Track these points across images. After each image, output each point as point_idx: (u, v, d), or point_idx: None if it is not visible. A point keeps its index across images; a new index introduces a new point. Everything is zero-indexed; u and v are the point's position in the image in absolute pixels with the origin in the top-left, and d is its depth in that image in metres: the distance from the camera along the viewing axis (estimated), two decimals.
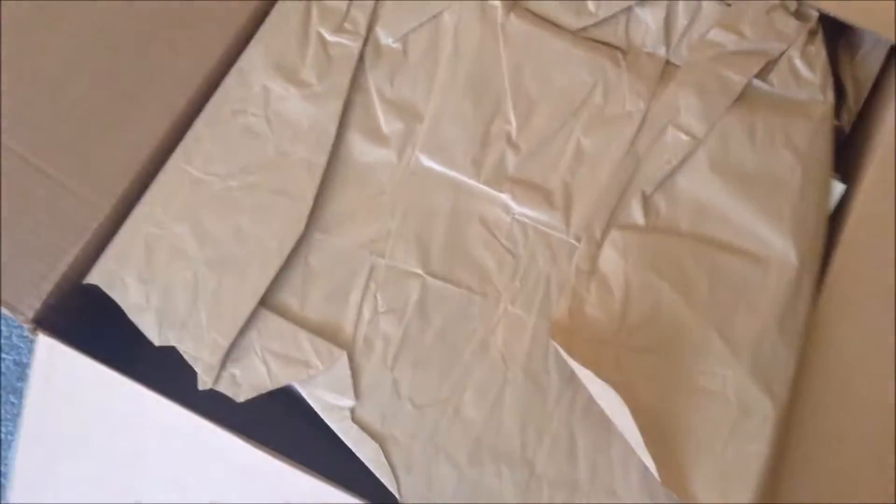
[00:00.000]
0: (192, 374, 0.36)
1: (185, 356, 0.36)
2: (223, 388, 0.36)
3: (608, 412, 0.35)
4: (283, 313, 0.37)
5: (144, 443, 0.35)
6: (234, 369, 0.36)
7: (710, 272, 0.38)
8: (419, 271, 0.38)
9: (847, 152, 0.43)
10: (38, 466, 0.35)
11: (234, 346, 0.36)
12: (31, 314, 0.36)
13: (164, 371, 0.37)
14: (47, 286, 0.37)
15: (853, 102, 0.44)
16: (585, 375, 0.35)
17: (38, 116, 0.39)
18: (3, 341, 0.55)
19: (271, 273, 0.37)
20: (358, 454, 0.36)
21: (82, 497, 0.35)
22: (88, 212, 0.38)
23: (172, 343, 0.36)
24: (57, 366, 0.36)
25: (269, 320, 0.37)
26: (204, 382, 0.36)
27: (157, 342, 0.36)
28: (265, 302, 0.37)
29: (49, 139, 0.39)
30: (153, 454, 0.35)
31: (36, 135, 0.39)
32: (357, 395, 0.36)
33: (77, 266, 0.37)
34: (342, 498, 0.34)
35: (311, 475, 0.35)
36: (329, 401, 0.36)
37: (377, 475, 0.36)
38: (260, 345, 0.37)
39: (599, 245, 0.39)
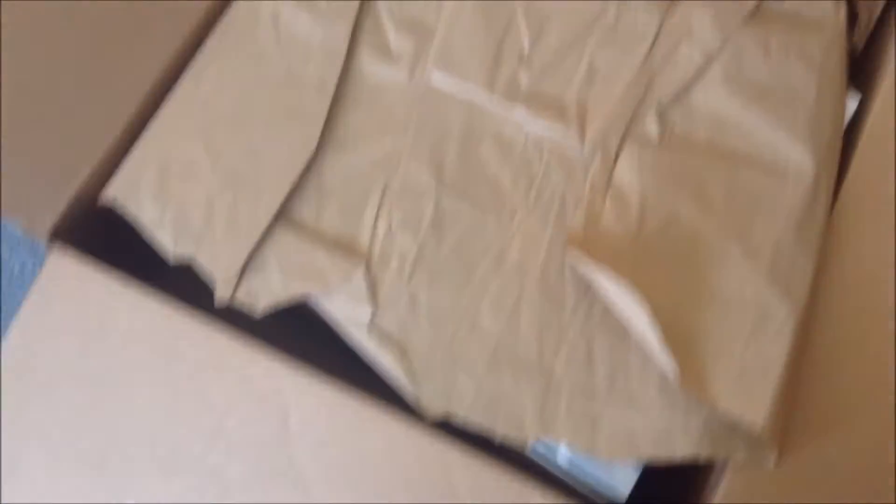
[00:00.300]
0: (209, 295, 0.36)
1: (201, 271, 0.36)
2: (241, 299, 0.36)
3: (624, 316, 0.35)
4: (299, 229, 0.37)
5: (152, 355, 0.35)
6: (251, 284, 0.36)
7: (726, 183, 0.38)
8: (433, 188, 0.38)
9: (861, 68, 0.43)
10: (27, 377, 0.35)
11: (250, 261, 0.36)
12: (45, 232, 0.36)
13: (177, 294, 0.37)
14: (61, 204, 0.37)
15: (866, 19, 0.44)
16: (603, 277, 0.35)
17: (50, 32, 0.39)
18: None
19: (285, 189, 0.37)
20: (376, 365, 0.36)
21: (79, 408, 0.35)
22: (101, 131, 0.38)
23: (188, 259, 0.36)
24: (67, 280, 0.36)
25: (285, 235, 0.37)
26: (221, 297, 0.36)
27: (173, 256, 0.36)
28: (281, 218, 0.37)
29: (62, 58, 0.39)
30: (158, 367, 0.35)
31: (49, 53, 0.39)
32: (374, 307, 0.36)
33: (91, 185, 0.37)
34: (346, 400, 0.34)
35: (327, 386, 0.35)
36: (346, 313, 0.36)
37: (396, 384, 0.36)
38: (276, 260, 0.37)
39: (614, 160, 0.38)
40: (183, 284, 0.39)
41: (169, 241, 0.36)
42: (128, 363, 0.35)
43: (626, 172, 0.38)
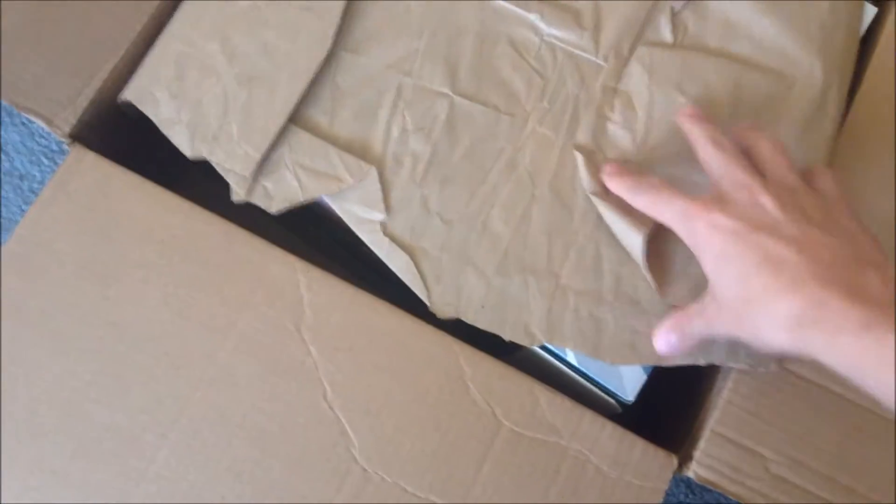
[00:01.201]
0: (226, 199, 0.37)
1: (217, 168, 0.37)
2: (256, 200, 0.37)
3: (616, 231, 0.36)
4: (313, 130, 0.38)
5: (167, 253, 0.36)
6: (266, 182, 0.37)
7: (733, 88, 0.38)
8: (447, 91, 0.38)
9: None
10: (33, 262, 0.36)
11: (266, 160, 0.37)
12: (67, 129, 0.37)
13: (194, 193, 0.38)
14: (83, 102, 0.37)
15: None
16: (602, 202, 0.36)
17: None
18: None
19: (300, 87, 0.37)
20: (389, 265, 0.37)
21: (87, 301, 0.36)
22: (121, 30, 0.38)
23: (204, 156, 0.37)
24: (84, 177, 0.36)
25: (300, 136, 0.37)
26: (237, 194, 0.36)
27: (189, 155, 0.37)
28: (296, 119, 0.37)
29: None
30: (172, 264, 0.36)
31: None
32: (387, 209, 0.37)
33: (112, 84, 0.38)
34: (361, 295, 0.34)
35: (342, 281, 0.36)
36: (360, 214, 0.37)
37: (408, 284, 0.36)
38: (291, 160, 0.37)
39: (626, 63, 0.39)
40: (199, 189, 0.40)
41: (185, 140, 0.37)
42: (141, 259, 0.36)
43: (637, 75, 0.38)
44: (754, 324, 0.30)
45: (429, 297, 0.36)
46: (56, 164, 0.60)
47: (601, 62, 0.39)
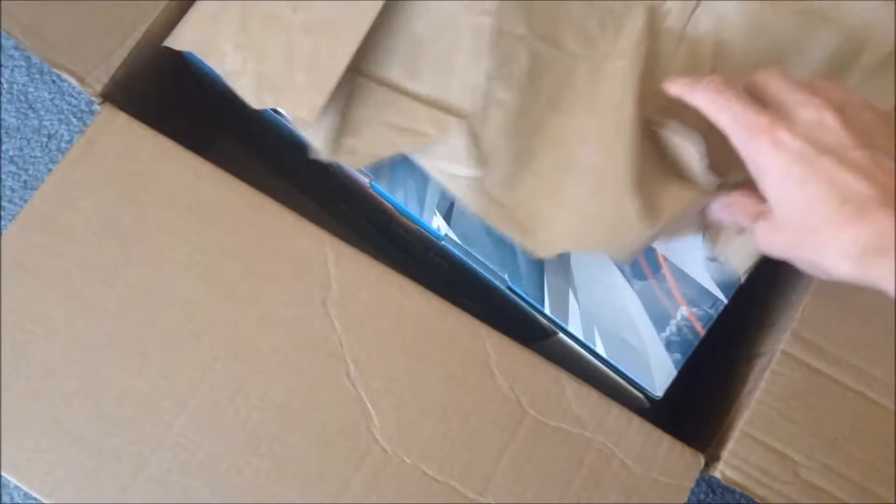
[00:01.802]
0: (255, 163, 0.36)
1: (285, 118, 0.36)
2: (342, 158, 0.35)
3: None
4: (396, 86, 0.36)
5: (195, 218, 0.35)
6: (351, 140, 0.35)
7: (799, 40, 0.37)
8: (525, 33, 0.36)
9: None
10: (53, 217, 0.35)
11: (349, 120, 0.35)
12: (98, 87, 0.36)
13: (224, 159, 0.37)
14: (116, 60, 0.36)
15: None
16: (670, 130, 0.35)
17: None
18: None
19: (363, 29, 0.35)
20: (485, 220, 0.35)
21: (110, 263, 0.35)
22: None
23: (270, 105, 0.36)
24: (113, 137, 0.36)
25: (382, 94, 0.36)
26: (322, 155, 0.35)
27: (256, 105, 0.36)
28: (376, 76, 0.36)
29: None
30: (199, 230, 0.35)
31: None
32: (475, 163, 0.35)
33: (146, 43, 0.37)
34: (389, 273, 0.33)
35: (371, 258, 0.35)
36: (449, 170, 0.35)
37: (506, 234, 0.35)
38: (376, 118, 0.36)
39: (692, 10, 0.37)
40: (229, 155, 0.39)
41: (251, 91, 0.36)
42: (167, 223, 0.35)
43: (704, 22, 0.37)
44: (816, 251, 0.29)
45: (527, 245, 0.35)
46: (85, 124, 0.59)
47: (668, 6, 0.37)
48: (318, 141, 0.35)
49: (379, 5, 0.35)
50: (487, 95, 0.35)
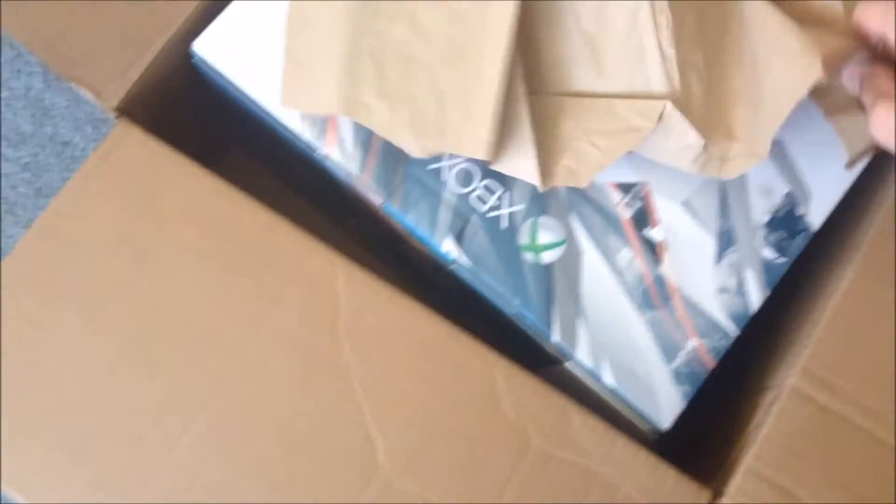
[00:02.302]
0: (268, 178, 0.36)
1: (460, 156, 0.35)
2: (561, 181, 0.34)
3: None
4: (586, 93, 0.35)
5: (206, 234, 0.35)
6: (565, 161, 0.34)
7: None
8: None
9: None
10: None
11: (558, 148, 0.34)
12: (115, 102, 0.36)
13: (238, 175, 0.37)
14: (133, 75, 0.37)
15: None
16: None
17: None
18: None
19: (504, 45, 0.33)
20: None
21: (119, 277, 0.35)
22: (176, 5, 0.38)
23: (436, 151, 0.34)
24: (127, 151, 0.36)
25: (575, 105, 0.35)
26: (540, 186, 0.34)
27: (422, 155, 0.34)
28: (561, 90, 0.35)
29: None
30: (210, 247, 0.35)
31: None
32: (697, 133, 0.33)
33: (164, 58, 0.37)
34: (398, 296, 0.33)
35: (381, 280, 0.35)
36: (675, 153, 0.34)
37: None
38: (581, 131, 0.35)
39: None
40: (243, 171, 0.39)
41: (410, 141, 0.34)
42: (179, 240, 0.35)
43: None
44: None
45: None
46: (101, 132, 0.59)
47: None
48: (527, 175, 0.34)
49: (510, 14, 0.33)
50: (679, 63, 0.34)
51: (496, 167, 0.34)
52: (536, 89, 0.35)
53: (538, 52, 0.35)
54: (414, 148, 0.34)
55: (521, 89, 0.34)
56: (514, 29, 0.33)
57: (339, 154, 0.37)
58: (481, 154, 0.33)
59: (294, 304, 0.35)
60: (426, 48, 0.34)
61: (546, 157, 0.34)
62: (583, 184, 0.34)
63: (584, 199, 0.37)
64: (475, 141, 0.33)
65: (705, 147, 0.34)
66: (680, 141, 0.34)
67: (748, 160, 0.34)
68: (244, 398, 0.34)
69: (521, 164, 0.34)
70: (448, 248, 0.36)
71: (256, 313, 0.34)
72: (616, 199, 0.37)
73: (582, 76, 0.35)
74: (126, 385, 0.34)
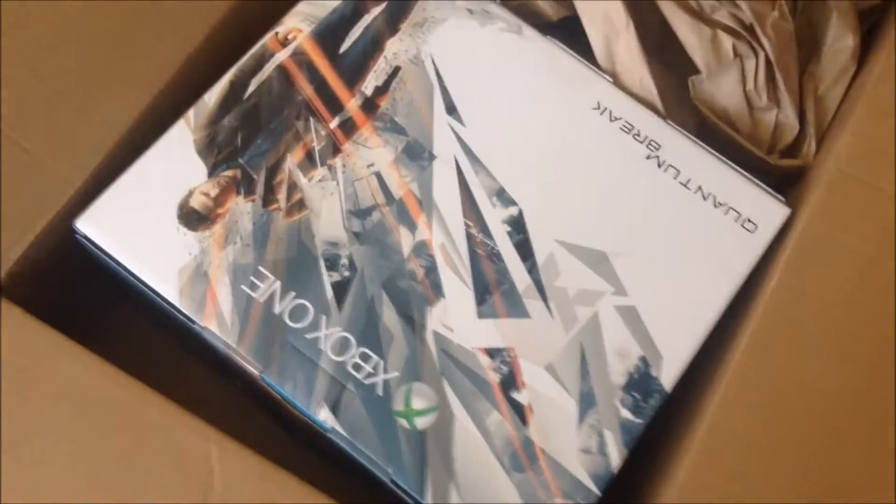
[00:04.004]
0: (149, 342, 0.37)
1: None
2: None
3: None
4: None
5: (77, 412, 0.36)
6: None
7: None
8: None
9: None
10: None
11: None
12: None
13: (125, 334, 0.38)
14: (14, 255, 0.38)
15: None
16: None
17: (15, 92, 0.40)
18: None
19: None
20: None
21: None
22: (60, 185, 0.39)
23: None
24: (10, 335, 0.36)
25: None
26: None
27: None
28: None
29: (26, 115, 0.40)
30: (82, 424, 0.36)
31: (13, 109, 0.40)
32: None
33: (45, 237, 0.38)
34: (274, 472, 0.34)
35: (256, 455, 0.36)
36: None
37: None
38: None
39: None
40: (125, 332, 0.39)
41: None
42: (55, 421, 0.35)
43: None
44: None
45: None
46: None
47: None
48: None
49: None
50: None
51: None
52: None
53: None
54: None
55: None
56: None
57: (217, 327, 0.38)
58: None
59: (165, 480, 0.35)
60: None
61: None
62: None
63: (455, 365, 0.39)
64: None
65: None
66: None
67: None
68: None
69: None
70: (324, 416, 0.38)
71: (129, 491, 0.35)
72: (485, 364, 0.39)
73: None
74: None
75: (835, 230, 0.40)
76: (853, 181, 0.41)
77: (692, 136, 0.43)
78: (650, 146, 0.43)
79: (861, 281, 0.39)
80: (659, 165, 0.42)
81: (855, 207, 0.40)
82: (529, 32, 0.45)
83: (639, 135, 0.43)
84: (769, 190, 0.42)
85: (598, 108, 0.43)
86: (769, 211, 0.42)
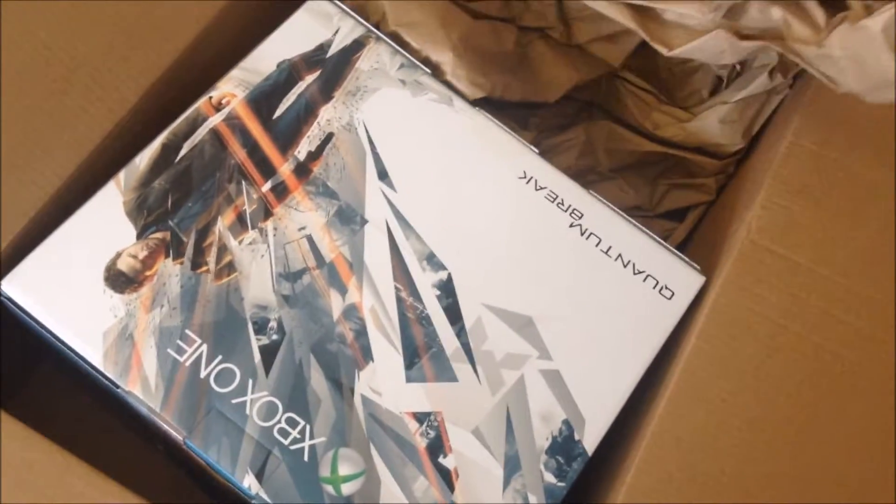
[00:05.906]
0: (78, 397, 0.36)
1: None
2: None
3: None
4: None
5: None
6: None
7: None
8: None
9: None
10: None
11: None
12: None
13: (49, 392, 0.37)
14: None
15: None
16: None
17: None
18: None
19: None
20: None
21: None
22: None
23: None
24: None
25: None
26: None
27: None
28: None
29: None
30: (14, 497, 0.35)
31: None
32: None
33: None
34: None
35: None
36: None
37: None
38: None
39: None
40: (47, 392, 0.39)
41: None
42: None
43: None
44: None
45: None
46: None
47: None
48: None
49: None
50: None
51: None
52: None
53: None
54: None
55: None
56: None
57: (142, 391, 0.38)
58: None
59: None
60: None
61: None
62: None
63: (383, 430, 0.39)
64: None
65: None
66: None
67: None
68: None
69: None
70: (249, 483, 0.37)
71: None
72: (413, 428, 0.39)
73: None
74: None
75: (745, 299, 0.42)
76: (763, 251, 0.43)
77: (614, 207, 0.45)
78: (573, 214, 0.44)
79: (771, 349, 0.41)
80: (582, 233, 0.44)
81: (765, 276, 0.43)
82: (459, 104, 0.46)
83: (562, 203, 0.44)
84: (685, 259, 0.44)
85: (525, 177, 0.45)
86: (685, 279, 0.44)
